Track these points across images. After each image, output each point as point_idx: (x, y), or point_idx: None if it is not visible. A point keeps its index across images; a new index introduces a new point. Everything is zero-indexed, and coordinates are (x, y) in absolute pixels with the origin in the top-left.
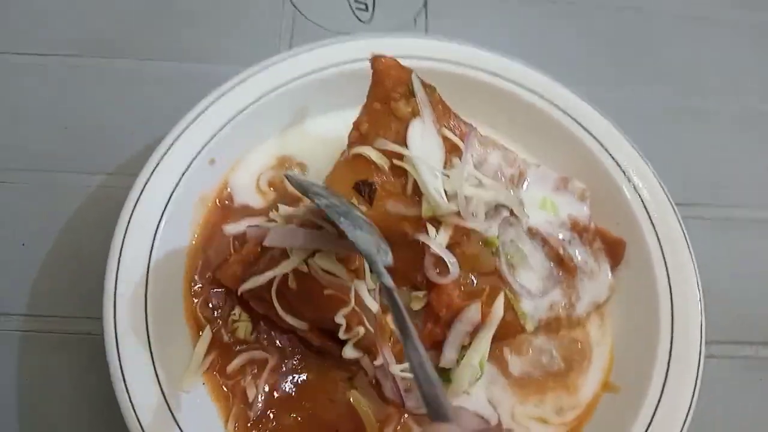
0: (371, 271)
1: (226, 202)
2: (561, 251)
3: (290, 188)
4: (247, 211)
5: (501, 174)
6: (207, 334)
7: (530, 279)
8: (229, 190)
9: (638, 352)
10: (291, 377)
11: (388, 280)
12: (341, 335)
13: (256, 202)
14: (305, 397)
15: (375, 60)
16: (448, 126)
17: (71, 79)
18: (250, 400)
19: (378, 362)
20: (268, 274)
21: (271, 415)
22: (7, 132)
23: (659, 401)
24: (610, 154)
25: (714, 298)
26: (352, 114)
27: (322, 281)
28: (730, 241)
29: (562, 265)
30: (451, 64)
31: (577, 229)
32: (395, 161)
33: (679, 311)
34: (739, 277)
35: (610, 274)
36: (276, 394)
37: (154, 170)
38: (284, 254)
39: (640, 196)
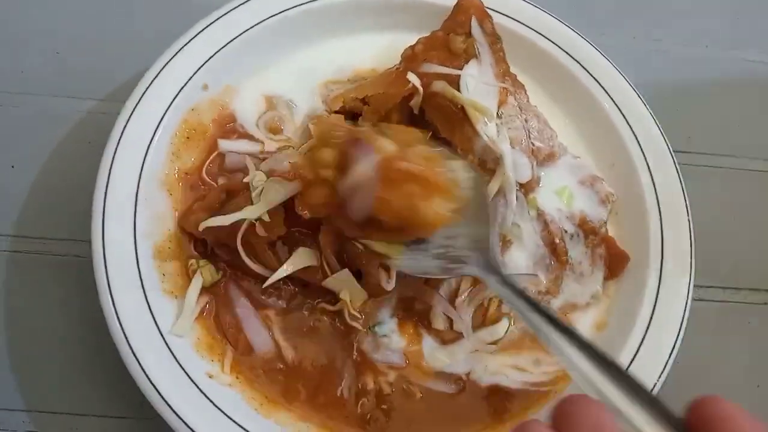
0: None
1: (226, 120)
2: (557, 240)
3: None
4: (244, 135)
5: (529, 143)
6: (198, 280)
7: (519, 258)
8: (231, 110)
9: (628, 294)
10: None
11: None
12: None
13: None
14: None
15: None
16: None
17: (64, 2)
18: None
19: None
20: (232, 216)
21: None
22: None
23: (642, 342)
24: (612, 98)
25: (709, 245)
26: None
27: None
28: (730, 190)
29: (555, 254)
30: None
31: (585, 228)
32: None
33: (669, 254)
34: (736, 225)
35: (600, 284)
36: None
37: (143, 94)
38: (248, 201)
39: (637, 140)
